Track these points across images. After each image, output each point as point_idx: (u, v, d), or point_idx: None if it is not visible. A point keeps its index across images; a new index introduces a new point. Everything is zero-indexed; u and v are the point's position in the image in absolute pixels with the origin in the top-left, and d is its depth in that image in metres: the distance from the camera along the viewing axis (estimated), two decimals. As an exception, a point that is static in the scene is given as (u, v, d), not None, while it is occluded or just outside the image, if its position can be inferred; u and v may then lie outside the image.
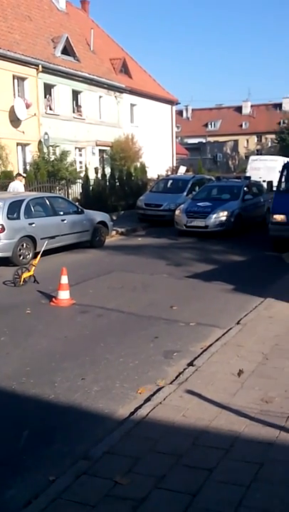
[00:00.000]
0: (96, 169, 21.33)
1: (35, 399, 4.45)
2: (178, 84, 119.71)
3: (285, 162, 16.59)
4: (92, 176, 19.89)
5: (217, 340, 5.66)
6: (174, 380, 4.65)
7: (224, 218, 14.20)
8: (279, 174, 12.81)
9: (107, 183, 20.15)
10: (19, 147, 20.77)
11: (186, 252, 11.97)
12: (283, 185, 12.44)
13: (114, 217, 17.20)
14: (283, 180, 12.52)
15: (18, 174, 16.00)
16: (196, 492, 2.93)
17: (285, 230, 11.29)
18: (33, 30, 22.81)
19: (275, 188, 12.67)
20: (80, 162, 23.67)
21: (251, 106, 67.48)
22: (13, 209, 10.44)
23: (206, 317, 6.74)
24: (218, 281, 8.68)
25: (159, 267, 10.21)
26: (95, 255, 11.81)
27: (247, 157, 38.28)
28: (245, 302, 7.32)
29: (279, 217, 11.48)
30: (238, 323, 6.28)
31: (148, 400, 4.24)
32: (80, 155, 24.50)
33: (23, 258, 10.31)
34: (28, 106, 20.48)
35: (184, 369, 4.89)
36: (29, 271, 8.67)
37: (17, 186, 14.35)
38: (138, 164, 23.87)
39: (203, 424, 3.73)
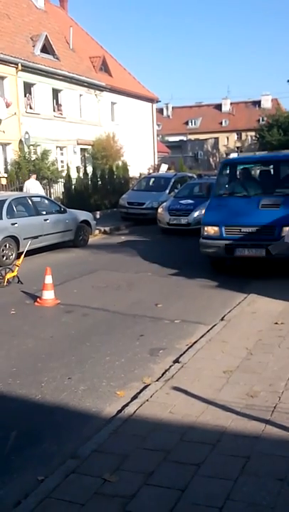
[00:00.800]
0: (78, 168, 21.24)
1: (22, 399, 4.43)
2: (158, 83, 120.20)
3: (224, 159, 14.85)
4: (74, 175, 19.80)
5: (202, 336, 5.71)
6: (160, 377, 4.68)
7: (206, 216, 14.27)
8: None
9: (90, 182, 20.10)
10: None
11: (169, 250, 12.02)
12: (221, 187, 9.60)
13: (97, 216, 17.18)
14: (222, 181, 9.72)
15: (32, 172, 15.88)
16: (184, 487, 2.97)
17: (218, 247, 8.46)
18: (12, 29, 22.55)
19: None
20: (62, 161, 23.54)
21: (231, 103, 68.03)
22: None
23: (190, 314, 6.79)
24: (201, 279, 8.74)
25: (142, 266, 10.23)
26: (79, 254, 11.78)
27: (227, 154, 38.54)
28: (229, 298, 7.40)
29: (212, 230, 8.54)
30: (222, 319, 6.34)
31: (135, 397, 4.26)
32: (62, 154, 24.34)
33: (7, 259, 10.21)
34: (8, 105, 20.27)
35: (170, 366, 4.92)
36: (13, 271, 8.61)
37: (31, 186, 14.37)
38: (120, 163, 23.84)
39: (190, 420, 3.77)
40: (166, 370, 4.83)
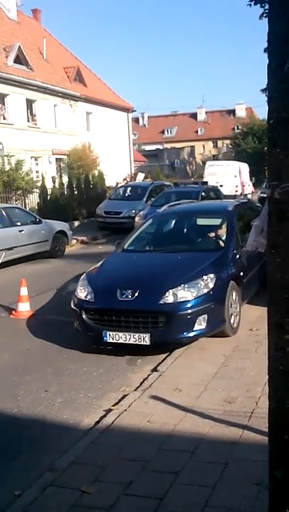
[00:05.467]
0: (53, 178, 21.16)
1: None
2: (133, 93, 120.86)
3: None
4: (49, 185, 19.72)
5: (180, 344, 5.74)
6: (139, 386, 4.69)
7: (183, 224, 14.37)
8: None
9: (65, 192, 20.05)
10: (-28, 157, 20.38)
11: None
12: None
13: (74, 226, 17.13)
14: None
15: None
16: (162, 496, 2.98)
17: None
18: None
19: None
20: (37, 171, 23.42)
21: (206, 112, 68.93)
22: None
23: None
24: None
25: (120, 275, 10.22)
26: (55, 265, 11.71)
27: (204, 162, 39.03)
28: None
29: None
30: (199, 326, 6.38)
31: (113, 408, 4.26)
32: (37, 164, 24.25)
33: None
34: None
35: (148, 375, 4.94)
36: None
37: None
38: (96, 172, 23.88)
39: (168, 429, 3.79)
40: (144, 379, 4.85)
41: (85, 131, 27.96)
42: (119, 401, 4.40)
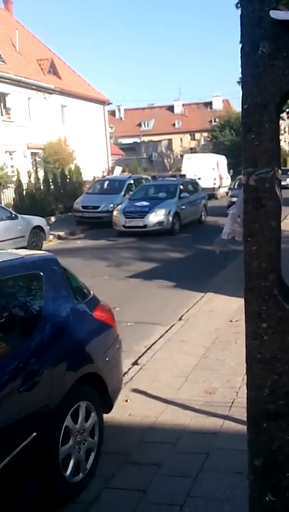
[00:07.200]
0: (29, 173, 20.88)
1: None
2: (109, 85, 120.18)
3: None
4: (25, 179, 19.45)
5: (160, 337, 5.75)
6: (120, 380, 4.67)
7: (162, 217, 14.42)
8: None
9: (42, 187, 19.81)
10: None
11: (126, 253, 12.04)
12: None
13: (52, 221, 16.94)
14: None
15: None
16: (145, 488, 2.97)
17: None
18: None
19: None
20: (12, 166, 23.04)
21: (183, 105, 68.86)
22: None
23: (148, 316, 6.82)
24: (158, 280, 8.81)
25: (99, 269, 10.18)
26: (34, 261, 11.57)
27: (182, 155, 39.05)
28: (186, 298, 7.48)
29: None
30: (180, 319, 6.41)
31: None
32: (11, 159, 23.87)
33: None
34: None
35: (129, 368, 4.91)
36: None
37: None
38: (72, 166, 23.65)
39: (149, 421, 3.78)
40: (124, 373, 4.80)
41: (60, 124, 27.61)
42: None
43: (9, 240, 11.60)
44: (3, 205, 14.55)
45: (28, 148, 24.76)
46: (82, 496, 2.93)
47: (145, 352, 5.34)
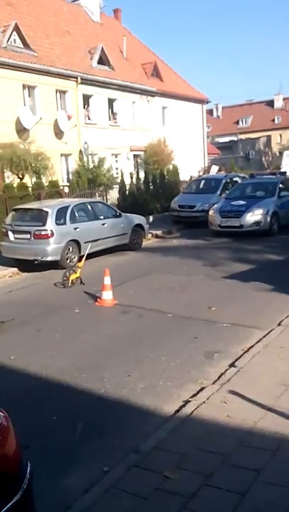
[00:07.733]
0: (131, 174, 21.67)
1: (87, 393, 4.70)
2: (207, 83, 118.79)
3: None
4: (127, 180, 20.28)
5: (258, 341, 5.66)
6: (216, 380, 4.72)
7: (259, 217, 14.02)
8: None
9: (142, 187, 20.44)
10: (63, 157, 21.87)
11: (221, 253, 11.95)
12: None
13: (150, 220, 17.33)
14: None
15: None
16: (244, 492, 2.98)
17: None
18: (71, 44, 23.82)
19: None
20: (117, 168, 24.17)
21: (283, 99, 66.13)
22: (60, 215, 10.98)
23: (245, 318, 6.74)
24: (256, 282, 8.62)
25: (195, 268, 10.24)
26: (133, 257, 12.00)
27: (281, 153, 37.59)
28: (286, 303, 7.26)
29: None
30: (279, 324, 6.25)
31: (191, 399, 4.32)
32: (116, 161, 25.05)
33: (70, 261, 10.83)
34: (69, 118, 21.55)
35: (226, 370, 4.93)
36: (76, 273, 9.23)
37: None
38: (170, 167, 23.97)
39: (248, 425, 3.77)
40: (222, 374, 4.85)
41: (160, 125, 28.11)
42: (198, 393, 4.46)
43: (114, 236, 12.23)
44: (109, 204, 15.25)
45: (131, 150, 25.80)
46: (181, 488, 3.03)
47: (242, 355, 5.30)
